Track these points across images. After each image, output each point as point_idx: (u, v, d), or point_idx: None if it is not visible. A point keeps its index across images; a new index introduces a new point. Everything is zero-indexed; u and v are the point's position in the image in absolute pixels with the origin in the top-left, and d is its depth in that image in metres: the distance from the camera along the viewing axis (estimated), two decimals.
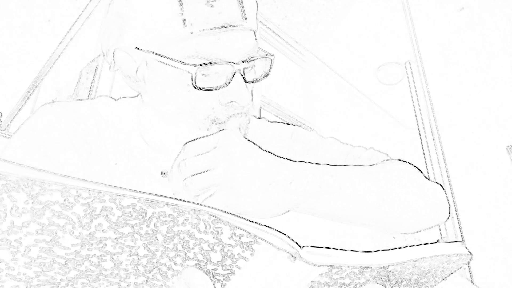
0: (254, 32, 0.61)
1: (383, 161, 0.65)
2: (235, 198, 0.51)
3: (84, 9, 1.89)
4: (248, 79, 0.59)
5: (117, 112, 0.67)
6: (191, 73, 0.56)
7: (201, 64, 0.56)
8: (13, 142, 0.61)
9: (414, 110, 1.85)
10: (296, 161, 0.56)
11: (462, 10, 1.76)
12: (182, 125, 0.60)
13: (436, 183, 0.66)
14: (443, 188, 0.66)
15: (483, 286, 1.47)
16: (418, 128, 1.82)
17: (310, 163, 0.57)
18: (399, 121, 2.02)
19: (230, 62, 0.57)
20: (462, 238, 1.60)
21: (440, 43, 1.82)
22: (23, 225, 0.35)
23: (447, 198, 0.65)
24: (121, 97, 0.70)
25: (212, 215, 0.36)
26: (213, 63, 0.56)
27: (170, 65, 0.57)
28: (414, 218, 0.60)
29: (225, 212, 0.37)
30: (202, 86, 0.56)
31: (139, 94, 0.68)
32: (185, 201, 0.36)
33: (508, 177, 1.56)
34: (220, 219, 0.37)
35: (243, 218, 0.37)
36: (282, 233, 0.38)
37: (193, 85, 0.56)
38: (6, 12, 1.69)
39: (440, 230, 1.65)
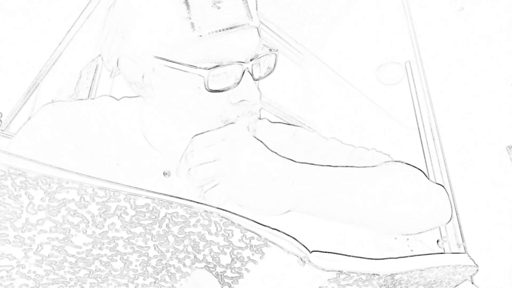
0: (258, 29, 0.61)
1: (385, 162, 0.66)
2: (238, 190, 0.52)
3: (84, 9, 1.89)
4: (255, 77, 0.60)
5: (119, 112, 0.67)
6: (202, 76, 0.56)
7: (213, 67, 0.56)
8: (15, 142, 0.61)
9: (414, 110, 1.85)
10: (298, 162, 0.57)
11: (462, 10, 1.76)
12: (192, 127, 0.61)
13: (439, 184, 0.66)
14: (445, 189, 0.66)
15: (483, 286, 1.47)
16: (418, 128, 1.82)
17: (312, 164, 0.57)
18: (399, 121, 2.02)
19: (239, 62, 0.57)
20: (462, 238, 1.60)
21: (440, 43, 1.82)
22: (38, 222, 0.35)
23: (450, 200, 0.66)
24: (123, 97, 0.71)
25: (224, 217, 0.37)
26: (224, 65, 0.56)
27: (180, 70, 0.58)
28: (415, 219, 0.61)
29: (236, 214, 0.37)
30: (213, 88, 0.57)
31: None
32: (198, 202, 0.37)
33: (508, 177, 1.56)
34: (231, 222, 0.37)
35: (254, 221, 0.37)
36: (292, 237, 0.38)
37: (205, 88, 0.56)
38: (6, 12, 1.68)
39: (440, 230, 1.65)
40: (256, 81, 0.61)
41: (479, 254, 1.54)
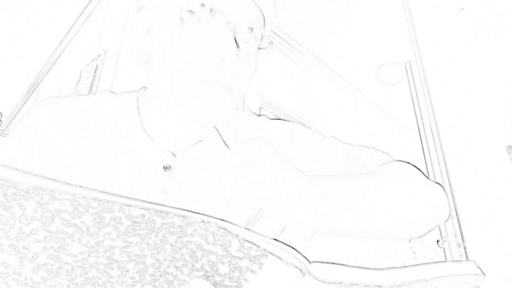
0: (261, 10, 0.62)
1: (383, 164, 0.65)
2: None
3: (84, 9, 1.89)
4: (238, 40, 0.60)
5: (118, 106, 0.67)
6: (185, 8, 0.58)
7: (200, 5, 0.58)
8: (11, 139, 0.60)
9: (414, 110, 1.85)
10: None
11: (462, 10, 1.76)
12: (173, 91, 0.61)
13: (436, 182, 0.66)
14: (443, 188, 0.66)
15: (482, 285, 1.46)
16: (418, 128, 1.82)
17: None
18: (399, 121, 2.02)
19: (226, 18, 0.59)
20: (462, 238, 1.60)
21: (440, 43, 1.82)
22: (32, 232, 0.35)
23: (447, 198, 0.65)
24: (123, 92, 0.70)
25: (221, 227, 0.36)
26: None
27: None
28: (418, 223, 0.60)
29: (234, 224, 0.37)
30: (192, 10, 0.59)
31: (141, 88, 0.68)
32: (194, 212, 0.36)
33: (508, 177, 1.56)
34: (229, 232, 0.36)
35: (252, 231, 0.37)
36: (291, 247, 0.38)
37: (184, 14, 0.58)
38: (6, 12, 1.68)
39: (440, 230, 1.65)
40: (239, 53, 0.61)
41: (479, 254, 1.54)
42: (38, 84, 2.01)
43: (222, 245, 0.38)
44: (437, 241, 1.65)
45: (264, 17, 0.63)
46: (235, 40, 0.58)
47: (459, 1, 1.75)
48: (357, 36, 2.03)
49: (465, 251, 1.57)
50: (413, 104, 1.85)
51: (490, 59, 1.67)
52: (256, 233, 0.37)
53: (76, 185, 0.34)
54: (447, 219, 0.64)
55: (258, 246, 0.37)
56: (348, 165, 0.68)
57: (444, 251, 1.61)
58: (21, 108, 1.98)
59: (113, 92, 0.70)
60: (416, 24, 1.88)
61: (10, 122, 1.94)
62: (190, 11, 0.58)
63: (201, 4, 0.58)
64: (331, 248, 0.61)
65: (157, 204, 0.35)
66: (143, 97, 0.66)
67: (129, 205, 0.34)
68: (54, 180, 0.33)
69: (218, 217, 0.36)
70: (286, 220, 0.48)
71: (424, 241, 0.67)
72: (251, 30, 0.60)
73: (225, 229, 0.36)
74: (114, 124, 0.64)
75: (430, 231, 0.62)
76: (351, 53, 2.07)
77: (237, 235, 0.36)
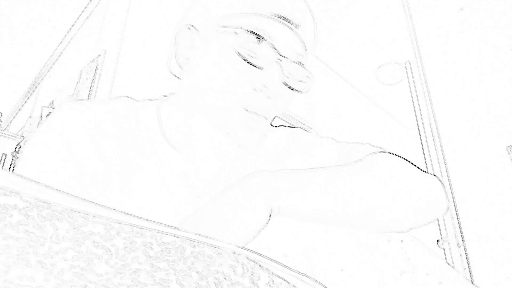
0: (305, 46, 0.63)
1: (370, 154, 0.63)
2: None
3: (84, 9, 1.90)
4: (284, 77, 0.61)
5: (138, 113, 0.67)
6: (237, 33, 0.59)
7: (255, 34, 0.59)
8: (36, 143, 0.59)
9: (414, 110, 1.85)
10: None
11: (462, 10, 1.76)
12: (212, 120, 0.62)
13: (433, 175, 0.64)
14: (439, 179, 0.64)
15: (483, 286, 1.46)
16: (418, 128, 1.82)
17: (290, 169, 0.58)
18: (399, 121, 2.02)
19: (275, 49, 0.59)
20: (462, 238, 1.60)
21: (440, 43, 1.82)
22: (61, 250, 0.35)
23: (445, 190, 0.63)
24: (145, 99, 0.70)
25: (252, 260, 0.36)
26: (263, 36, 0.59)
27: (228, 29, 0.61)
28: (405, 213, 0.58)
29: (265, 257, 0.37)
30: (243, 55, 0.59)
31: (162, 96, 0.69)
32: (226, 243, 0.36)
33: (508, 177, 1.56)
34: (259, 265, 0.37)
35: (283, 265, 0.37)
36: (321, 284, 0.38)
37: (237, 51, 0.58)
38: (6, 12, 1.69)
39: (440, 230, 1.65)
40: (283, 86, 0.62)
41: (479, 254, 1.54)
42: (38, 84, 2.01)
43: (251, 277, 0.37)
44: (437, 241, 1.65)
45: (307, 53, 0.64)
46: (282, 73, 0.60)
47: (459, 1, 1.75)
48: (357, 36, 2.03)
49: (465, 251, 1.57)
50: (413, 104, 1.86)
51: (490, 59, 1.68)
52: (288, 267, 0.37)
53: (111, 209, 0.34)
54: (445, 212, 0.63)
55: (288, 282, 0.37)
56: (341, 161, 0.68)
57: (444, 251, 1.61)
58: (21, 108, 1.98)
59: (133, 99, 0.70)
60: (416, 24, 1.89)
61: (10, 122, 1.94)
62: (242, 43, 0.59)
63: (253, 38, 0.59)
64: (322, 253, 0.60)
65: (189, 233, 0.35)
66: (166, 105, 0.66)
67: (162, 232, 0.34)
68: (90, 202, 0.34)
69: (250, 249, 0.37)
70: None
71: (420, 239, 0.66)
72: (297, 65, 0.62)
73: (255, 262, 0.36)
74: (135, 131, 0.64)
75: (422, 225, 0.60)
76: (351, 53, 2.07)
77: (267, 269, 0.36)
